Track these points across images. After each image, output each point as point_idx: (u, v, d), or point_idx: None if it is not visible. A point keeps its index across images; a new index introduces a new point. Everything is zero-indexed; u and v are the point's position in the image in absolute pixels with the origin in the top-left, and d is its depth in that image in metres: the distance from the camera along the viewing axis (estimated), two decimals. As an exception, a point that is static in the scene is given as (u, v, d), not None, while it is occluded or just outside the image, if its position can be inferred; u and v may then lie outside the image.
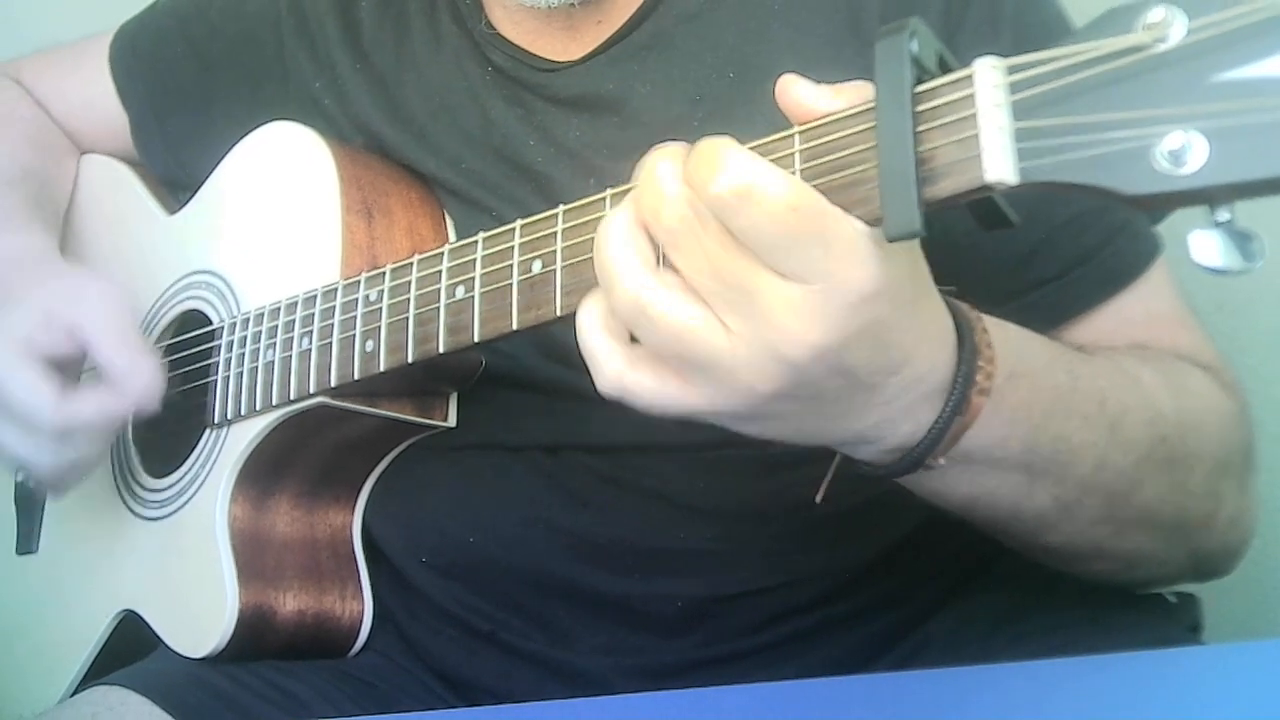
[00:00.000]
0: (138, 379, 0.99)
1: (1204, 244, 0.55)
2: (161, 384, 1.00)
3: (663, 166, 0.65)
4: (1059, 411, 0.78)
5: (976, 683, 0.72)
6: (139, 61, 1.26)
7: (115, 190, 1.26)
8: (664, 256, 0.66)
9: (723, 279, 0.63)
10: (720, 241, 0.63)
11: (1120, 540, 0.86)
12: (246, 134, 1.11)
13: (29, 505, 1.23)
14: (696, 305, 0.64)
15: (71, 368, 1.03)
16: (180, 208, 1.19)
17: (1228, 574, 0.95)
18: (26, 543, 1.21)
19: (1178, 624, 0.97)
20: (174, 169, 1.25)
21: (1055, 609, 0.95)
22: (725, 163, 0.62)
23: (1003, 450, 0.76)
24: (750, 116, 0.78)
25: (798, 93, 0.66)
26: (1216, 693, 0.66)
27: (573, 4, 0.99)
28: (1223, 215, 0.55)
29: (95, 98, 1.28)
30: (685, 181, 0.64)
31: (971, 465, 0.75)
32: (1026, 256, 0.92)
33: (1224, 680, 0.68)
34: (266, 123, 1.10)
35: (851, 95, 0.65)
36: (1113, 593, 0.95)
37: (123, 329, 1.01)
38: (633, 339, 0.68)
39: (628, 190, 0.73)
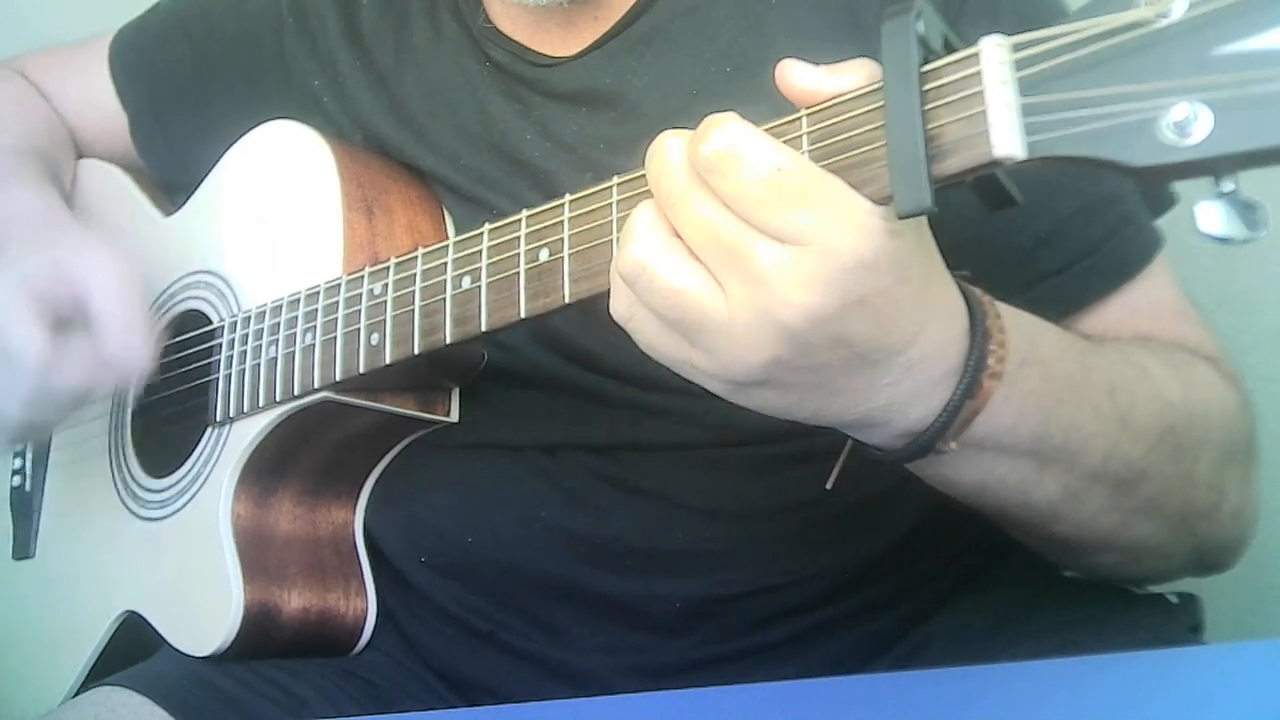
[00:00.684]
0: (128, 356, 0.98)
1: (1209, 214, 0.56)
2: (150, 366, 0.99)
3: (670, 139, 0.67)
4: (1070, 400, 0.78)
5: (977, 683, 0.73)
6: (139, 60, 1.27)
7: (110, 193, 1.26)
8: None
9: (720, 241, 0.64)
10: (713, 204, 0.64)
11: (1127, 531, 0.86)
12: (246, 133, 1.11)
13: (24, 510, 1.22)
14: (696, 270, 0.65)
15: (68, 326, 1.01)
16: (176, 209, 1.19)
17: (1229, 568, 0.95)
18: (23, 548, 1.21)
19: (1179, 624, 0.97)
20: (173, 169, 1.25)
21: (1056, 609, 0.95)
22: (716, 127, 0.64)
23: (1013, 437, 0.76)
24: (748, 111, 0.78)
25: (795, 75, 0.67)
26: (1217, 692, 0.66)
27: (561, 2, 1.00)
28: (1227, 185, 0.56)
29: (95, 96, 1.28)
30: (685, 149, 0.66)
31: (982, 451, 0.76)
32: (1034, 249, 0.93)
33: (1224, 680, 0.67)
34: (266, 121, 1.10)
35: (849, 74, 0.66)
36: (1114, 593, 0.96)
37: (126, 299, 1.00)
38: None
39: (634, 179, 0.74)
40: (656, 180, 0.67)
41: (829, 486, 0.79)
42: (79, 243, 1.04)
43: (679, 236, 0.66)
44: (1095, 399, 0.80)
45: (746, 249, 0.63)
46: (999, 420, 0.74)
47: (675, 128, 0.69)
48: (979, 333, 0.71)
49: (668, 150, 0.67)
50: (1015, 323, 0.75)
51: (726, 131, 0.64)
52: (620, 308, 0.70)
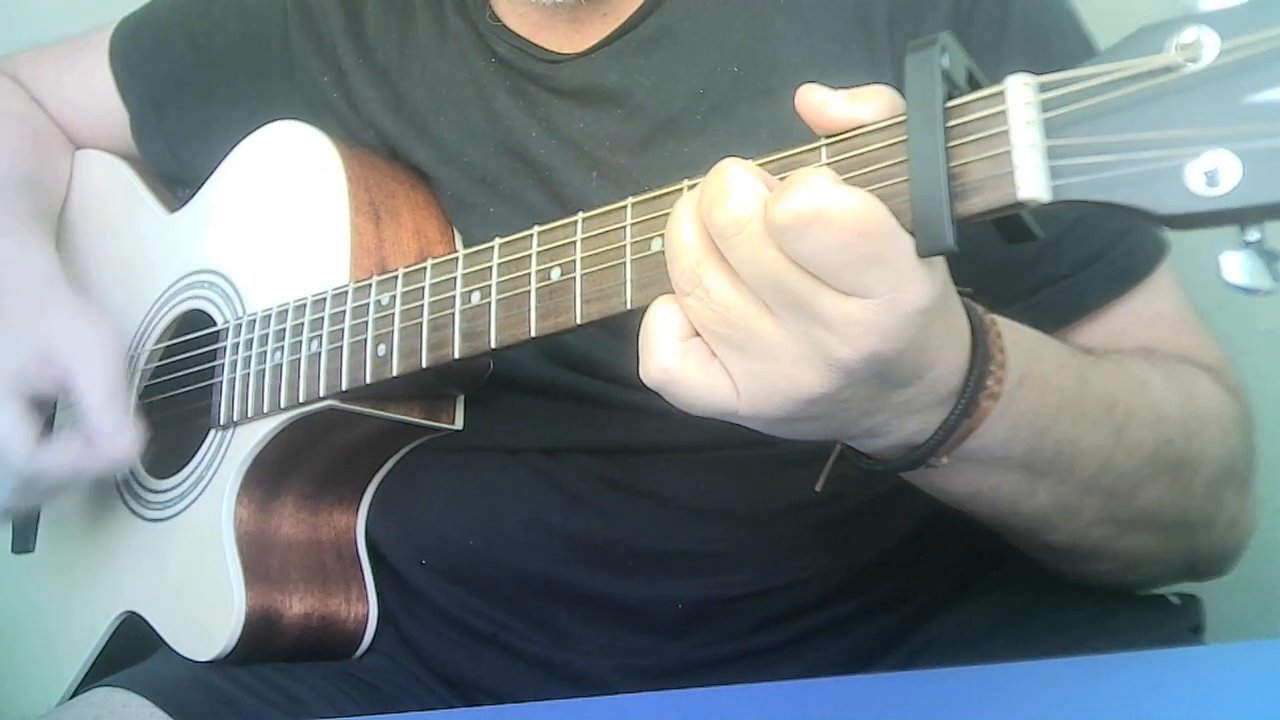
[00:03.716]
0: (116, 446, 1.00)
1: (1234, 264, 0.56)
2: (137, 452, 1.02)
3: (733, 167, 0.65)
4: (1066, 415, 0.79)
5: (979, 683, 0.73)
6: (140, 56, 1.25)
7: (114, 187, 1.25)
8: None
9: (778, 287, 0.63)
10: (777, 256, 0.62)
11: (1121, 540, 0.87)
12: (249, 131, 1.10)
13: (25, 504, 1.22)
14: (751, 298, 0.64)
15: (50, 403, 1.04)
16: (181, 206, 1.18)
17: (1224, 575, 0.96)
18: (23, 542, 1.20)
19: (1180, 625, 0.98)
20: (174, 166, 1.24)
21: (1058, 610, 0.96)
22: (795, 184, 0.62)
23: (1005, 450, 0.76)
24: (755, 113, 0.77)
25: (815, 98, 0.66)
26: (1217, 693, 0.67)
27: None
28: (1253, 235, 0.55)
29: (93, 93, 1.27)
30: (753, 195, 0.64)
31: (975, 464, 0.76)
32: (1035, 256, 0.93)
33: (1225, 680, 0.68)
34: (270, 119, 1.09)
35: (870, 101, 0.65)
36: (1115, 594, 0.96)
37: (112, 387, 1.02)
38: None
39: (651, 199, 0.73)
40: (709, 210, 0.64)
41: (818, 489, 0.79)
42: (66, 320, 1.05)
43: (736, 274, 0.65)
44: (1092, 412, 0.80)
45: (808, 300, 0.62)
46: (993, 435, 0.74)
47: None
48: (980, 353, 0.72)
49: (728, 178, 0.64)
50: (1015, 338, 0.75)
51: (809, 191, 0.61)
52: (658, 362, 0.68)
